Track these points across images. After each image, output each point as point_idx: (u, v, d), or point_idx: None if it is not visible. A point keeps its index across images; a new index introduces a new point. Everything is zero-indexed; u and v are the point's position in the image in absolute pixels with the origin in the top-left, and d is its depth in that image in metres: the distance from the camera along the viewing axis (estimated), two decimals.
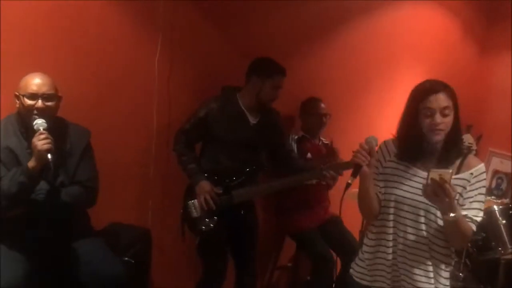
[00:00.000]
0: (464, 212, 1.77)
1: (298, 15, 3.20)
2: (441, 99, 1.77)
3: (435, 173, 1.64)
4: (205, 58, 2.91)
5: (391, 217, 1.90)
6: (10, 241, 2.12)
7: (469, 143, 4.30)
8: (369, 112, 3.61)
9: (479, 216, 1.81)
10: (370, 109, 3.62)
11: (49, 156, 1.97)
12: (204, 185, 2.60)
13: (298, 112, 3.22)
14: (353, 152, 1.82)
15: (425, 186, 1.70)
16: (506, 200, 3.81)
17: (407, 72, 3.65)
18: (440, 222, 1.81)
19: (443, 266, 1.89)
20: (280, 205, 3.21)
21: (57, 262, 2.17)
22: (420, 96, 1.80)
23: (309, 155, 3.05)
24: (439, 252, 1.87)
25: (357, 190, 1.91)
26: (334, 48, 3.45)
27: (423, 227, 1.85)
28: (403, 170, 1.90)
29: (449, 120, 1.78)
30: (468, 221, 1.79)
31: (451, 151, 1.83)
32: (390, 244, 1.92)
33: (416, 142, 1.85)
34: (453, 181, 1.74)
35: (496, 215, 3.01)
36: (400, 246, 1.90)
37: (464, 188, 1.80)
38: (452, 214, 1.67)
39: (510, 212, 3.03)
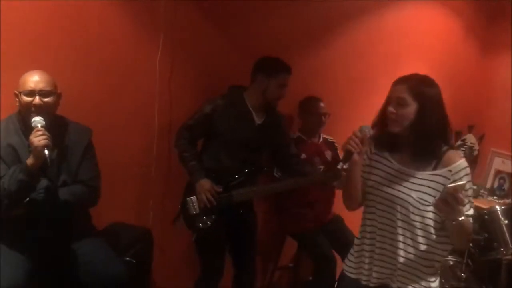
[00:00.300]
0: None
1: (299, 15, 3.20)
2: (398, 90, 1.80)
3: (451, 187, 1.65)
4: (206, 57, 2.91)
5: (371, 209, 1.94)
6: (11, 241, 2.12)
7: (471, 143, 4.34)
8: (372, 112, 3.60)
9: (470, 210, 1.82)
10: (372, 108, 3.60)
11: (46, 151, 1.97)
12: (205, 183, 2.60)
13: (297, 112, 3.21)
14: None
15: (438, 199, 1.71)
16: (508, 200, 3.80)
17: (409, 71, 3.63)
18: (413, 217, 1.81)
19: (425, 269, 1.88)
20: (281, 205, 3.21)
21: (58, 262, 2.17)
22: (391, 85, 1.85)
23: (303, 155, 3.04)
24: (418, 249, 1.85)
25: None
26: (336, 47, 3.45)
27: (399, 223, 1.85)
28: (384, 163, 1.92)
29: (404, 112, 1.78)
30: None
31: (421, 149, 1.82)
32: (370, 236, 1.95)
33: (383, 131, 1.88)
34: (429, 177, 1.80)
35: (498, 215, 3.01)
36: (379, 238, 1.92)
37: (444, 185, 1.79)
38: (460, 218, 1.67)
39: None
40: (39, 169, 2.03)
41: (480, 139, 4.37)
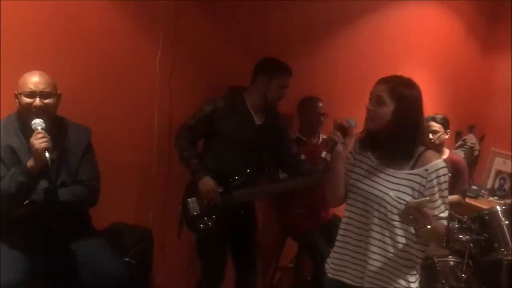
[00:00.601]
0: (433, 212, 1.80)
1: (300, 15, 3.20)
2: (379, 89, 1.84)
3: (414, 203, 1.71)
4: (207, 57, 2.90)
5: (350, 207, 1.96)
6: (12, 241, 2.11)
7: (471, 144, 4.33)
8: None
9: (445, 213, 1.84)
10: None
11: (47, 154, 1.97)
12: (208, 181, 2.59)
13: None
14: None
15: (402, 212, 1.75)
16: (509, 201, 3.80)
17: (410, 72, 3.60)
18: (392, 216, 1.83)
19: (405, 269, 1.88)
20: (281, 206, 3.21)
21: (58, 262, 2.17)
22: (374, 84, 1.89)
23: (303, 156, 3.04)
24: (397, 248, 1.86)
25: None
26: (337, 47, 3.45)
27: (377, 222, 1.87)
28: (365, 162, 1.94)
29: (381, 111, 1.81)
30: (438, 220, 1.81)
31: (396, 149, 1.84)
32: (348, 234, 1.96)
33: (364, 128, 1.91)
34: (407, 176, 1.82)
35: (499, 216, 3.00)
36: (357, 237, 1.93)
37: (421, 184, 1.81)
38: (428, 226, 1.70)
39: None
40: (39, 171, 2.02)
41: (481, 139, 4.37)
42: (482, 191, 4.23)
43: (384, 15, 3.63)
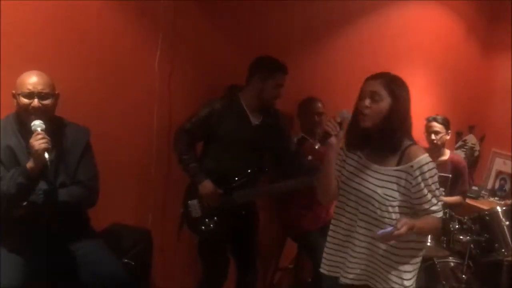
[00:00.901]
0: (423, 206, 1.82)
1: (300, 15, 3.19)
2: (372, 84, 1.84)
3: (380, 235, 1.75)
4: (206, 58, 2.90)
5: (341, 204, 1.97)
6: (11, 242, 2.10)
7: (472, 144, 4.32)
8: None
9: (437, 205, 1.84)
10: None
11: (46, 155, 1.96)
12: (208, 185, 2.59)
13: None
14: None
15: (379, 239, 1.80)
16: (509, 201, 3.79)
17: (410, 72, 3.64)
18: (381, 213, 1.84)
19: (399, 266, 1.89)
20: (281, 206, 3.20)
21: (58, 262, 2.16)
22: (364, 81, 1.88)
23: (310, 157, 3.03)
24: (389, 245, 1.87)
25: None
26: (338, 47, 3.45)
27: (366, 219, 1.88)
28: (355, 159, 1.95)
29: (377, 107, 1.81)
30: (430, 214, 1.83)
31: (385, 144, 1.85)
32: (338, 230, 1.99)
33: (353, 126, 1.90)
34: (393, 173, 1.83)
35: (499, 217, 3.00)
36: (346, 233, 1.96)
37: (407, 181, 1.82)
38: (415, 229, 1.72)
39: None
40: (39, 172, 2.02)
41: (481, 139, 4.36)
42: (483, 192, 4.23)
43: (384, 15, 3.62)
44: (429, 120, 3.27)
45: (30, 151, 2.01)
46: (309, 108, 3.13)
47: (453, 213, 3.05)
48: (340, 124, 1.85)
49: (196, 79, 2.90)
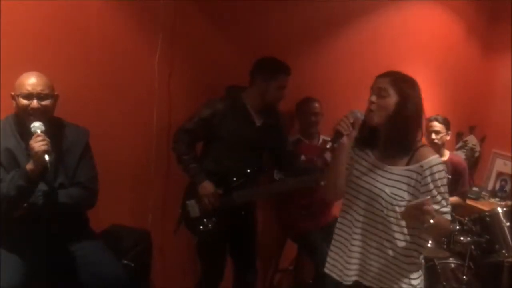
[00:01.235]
0: (433, 207, 1.78)
1: (299, 15, 3.19)
2: (380, 81, 1.84)
3: (414, 202, 1.71)
4: (206, 58, 2.89)
5: (347, 202, 1.96)
6: (10, 243, 2.10)
7: (472, 145, 4.32)
8: None
9: (447, 207, 1.83)
10: None
11: (46, 157, 1.95)
12: (207, 186, 2.59)
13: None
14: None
15: (403, 212, 1.76)
16: (510, 202, 3.79)
17: (410, 72, 3.61)
18: (388, 213, 1.83)
19: (406, 266, 1.87)
20: (281, 206, 3.19)
21: (57, 263, 2.16)
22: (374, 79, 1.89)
23: (303, 157, 3.03)
24: (395, 245, 1.86)
25: None
26: (338, 47, 3.44)
27: (374, 218, 1.86)
28: (364, 158, 1.94)
29: (383, 102, 1.80)
30: (440, 215, 1.81)
31: (394, 143, 1.83)
32: (344, 229, 1.97)
33: (364, 125, 1.89)
34: (402, 173, 1.82)
35: (500, 218, 3.00)
36: (350, 232, 1.93)
37: (417, 181, 1.81)
38: (431, 221, 1.68)
39: None
40: (39, 174, 2.01)
41: (482, 140, 4.36)
42: (483, 193, 4.22)
43: (384, 15, 3.62)
44: (430, 119, 3.27)
45: (29, 153, 2.01)
46: (306, 108, 3.13)
47: (454, 214, 3.04)
48: (352, 124, 1.84)
49: (196, 79, 2.90)
